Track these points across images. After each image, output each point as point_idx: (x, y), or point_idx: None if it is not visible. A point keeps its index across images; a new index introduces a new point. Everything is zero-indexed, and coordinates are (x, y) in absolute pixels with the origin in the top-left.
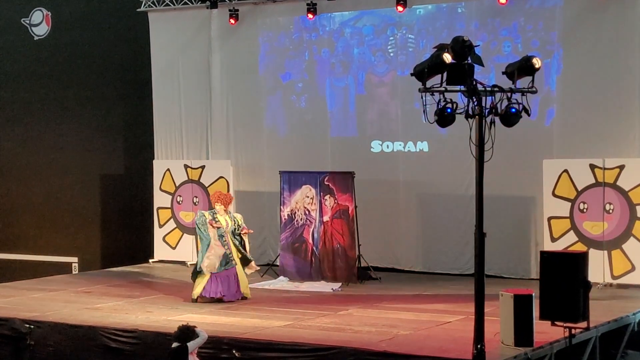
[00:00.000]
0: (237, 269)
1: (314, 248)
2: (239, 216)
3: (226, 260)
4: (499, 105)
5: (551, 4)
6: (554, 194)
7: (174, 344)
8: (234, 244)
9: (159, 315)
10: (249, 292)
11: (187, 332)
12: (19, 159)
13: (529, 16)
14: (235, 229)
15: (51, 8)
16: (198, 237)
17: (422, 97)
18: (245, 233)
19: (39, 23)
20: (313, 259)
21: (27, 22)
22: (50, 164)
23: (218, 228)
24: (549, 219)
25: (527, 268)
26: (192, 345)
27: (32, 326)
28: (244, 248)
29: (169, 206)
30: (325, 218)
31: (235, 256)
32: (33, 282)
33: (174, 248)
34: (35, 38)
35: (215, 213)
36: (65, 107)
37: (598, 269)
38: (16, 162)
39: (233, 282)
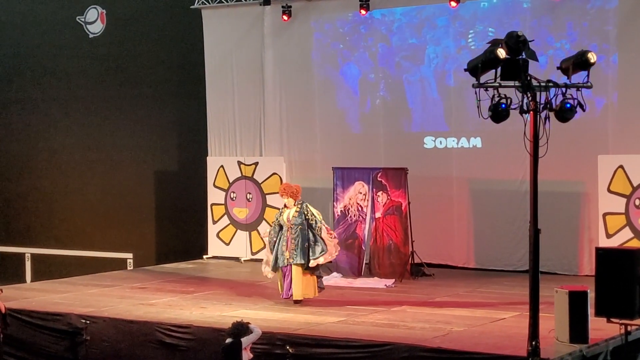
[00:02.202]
0: (293, 268)
1: (364, 245)
2: (316, 213)
3: (277, 257)
4: (553, 100)
5: (606, 2)
6: (609, 190)
7: (228, 340)
8: (294, 242)
9: (213, 311)
10: (300, 295)
11: (240, 328)
12: (75, 156)
13: (584, 13)
14: (310, 223)
15: (106, 6)
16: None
17: (476, 93)
18: (328, 234)
19: (94, 21)
20: (361, 256)
21: (82, 20)
22: (105, 161)
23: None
24: (604, 215)
25: (581, 265)
26: (246, 340)
27: (88, 321)
28: (310, 250)
29: (223, 202)
30: (377, 214)
31: (291, 254)
32: (88, 277)
33: (227, 244)
34: (90, 36)
35: (282, 209)
36: (120, 104)
37: None
38: (72, 159)
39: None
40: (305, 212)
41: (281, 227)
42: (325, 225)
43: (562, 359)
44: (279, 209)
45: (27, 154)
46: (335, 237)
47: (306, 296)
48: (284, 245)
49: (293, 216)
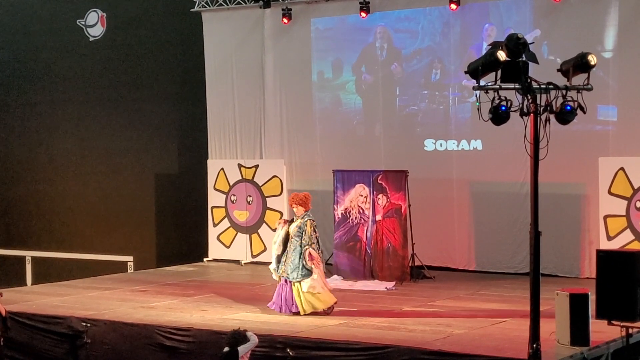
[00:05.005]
0: (291, 284)
1: (367, 247)
2: (308, 225)
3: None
4: (554, 102)
5: (607, 4)
6: (610, 192)
7: (225, 349)
8: (292, 257)
9: (214, 314)
10: (304, 309)
11: (237, 337)
12: (75, 158)
13: (585, 13)
14: (302, 238)
15: (106, 9)
16: None
17: (476, 95)
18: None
19: (94, 24)
20: (366, 258)
21: (83, 23)
22: (105, 164)
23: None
24: (605, 217)
25: (582, 267)
26: (243, 349)
27: (88, 324)
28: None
29: (223, 205)
30: (378, 217)
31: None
32: (89, 280)
33: (228, 247)
34: (91, 39)
35: (293, 219)
36: (120, 107)
37: None
38: (72, 162)
39: (287, 295)
40: (302, 231)
41: (288, 236)
42: (312, 249)
43: None
44: (279, 211)
45: (27, 157)
46: (317, 264)
47: (308, 311)
48: (284, 257)
49: (293, 230)
